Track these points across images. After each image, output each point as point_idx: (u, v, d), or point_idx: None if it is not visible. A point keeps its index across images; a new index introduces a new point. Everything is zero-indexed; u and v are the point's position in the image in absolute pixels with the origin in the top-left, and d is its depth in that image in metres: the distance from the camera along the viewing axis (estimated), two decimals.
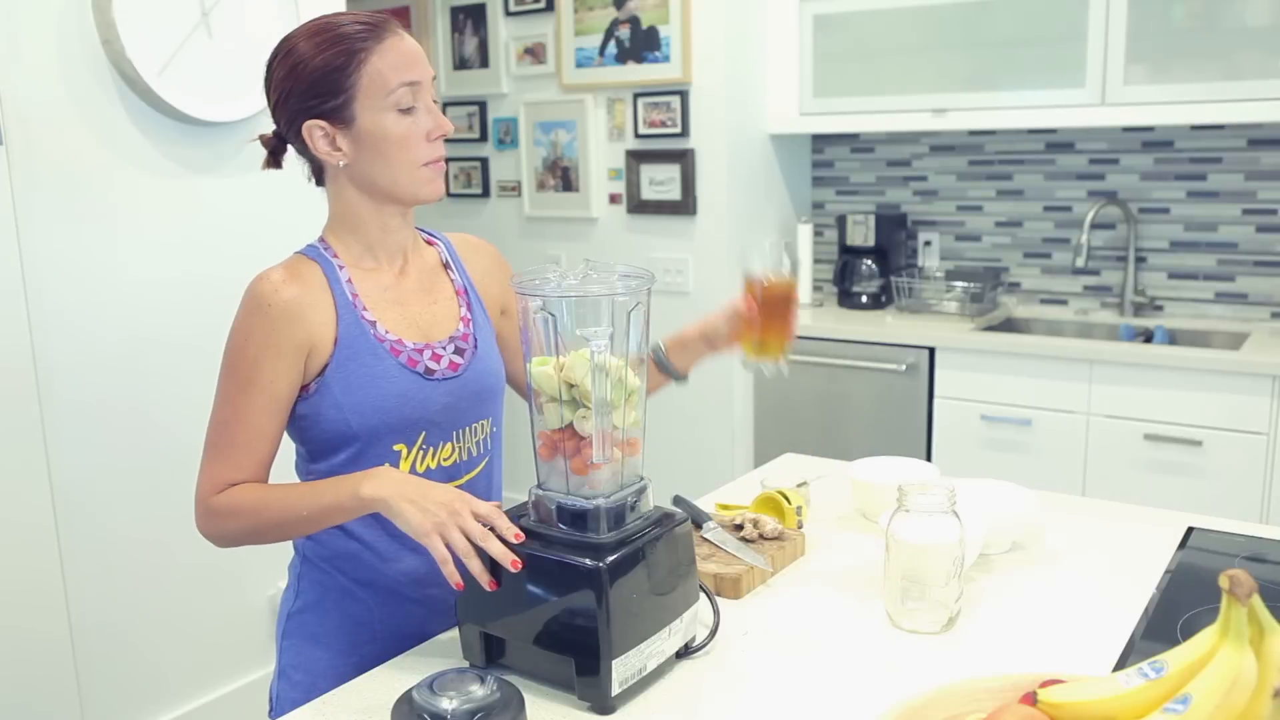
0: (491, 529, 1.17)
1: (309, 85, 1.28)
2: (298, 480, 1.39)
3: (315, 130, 1.30)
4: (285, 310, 1.28)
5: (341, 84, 1.27)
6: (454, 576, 1.17)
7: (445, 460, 1.37)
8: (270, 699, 1.43)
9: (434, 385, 1.34)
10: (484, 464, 1.42)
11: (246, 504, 1.27)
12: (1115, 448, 2.90)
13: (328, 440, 1.32)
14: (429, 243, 1.47)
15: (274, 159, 1.39)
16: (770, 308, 1.32)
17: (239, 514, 1.27)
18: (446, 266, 1.45)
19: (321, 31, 1.29)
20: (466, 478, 1.39)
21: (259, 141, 1.39)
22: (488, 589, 1.17)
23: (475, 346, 1.40)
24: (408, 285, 1.39)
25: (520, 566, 1.15)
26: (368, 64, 1.27)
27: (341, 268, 1.34)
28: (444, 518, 1.16)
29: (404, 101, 1.29)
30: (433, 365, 1.35)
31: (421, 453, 1.34)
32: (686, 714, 1.15)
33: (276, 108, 1.32)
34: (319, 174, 1.37)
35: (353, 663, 1.33)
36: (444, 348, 1.37)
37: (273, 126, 1.36)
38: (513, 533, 1.17)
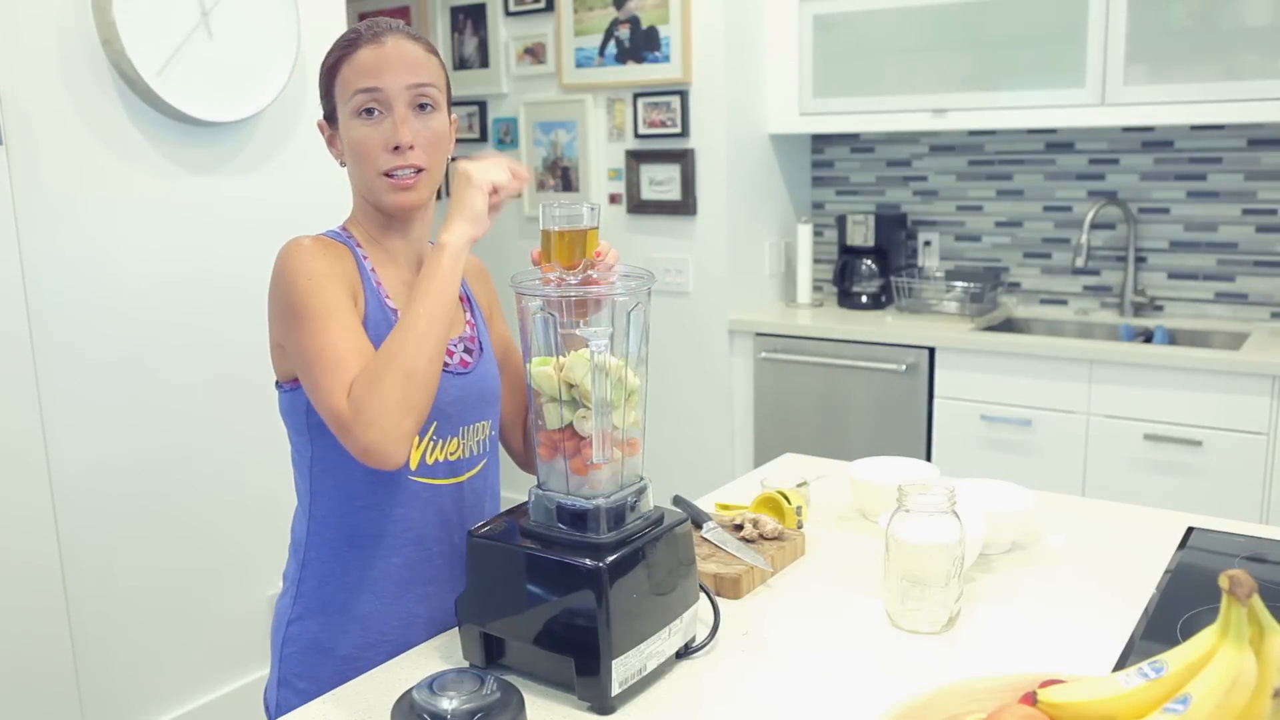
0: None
1: (320, 86, 1.39)
2: (292, 473, 1.41)
3: (322, 129, 1.40)
4: (335, 256, 1.31)
5: (328, 88, 1.36)
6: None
7: (451, 455, 1.38)
8: (267, 707, 1.41)
9: (449, 377, 1.36)
10: (483, 464, 1.43)
11: (375, 364, 1.21)
12: (1115, 448, 2.90)
13: None
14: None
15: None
16: (564, 258, 1.28)
17: (378, 376, 1.20)
18: None
19: (340, 35, 1.37)
20: (468, 475, 1.40)
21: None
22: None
23: (481, 349, 1.44)
24: None
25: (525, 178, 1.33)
26: (340, 71, 1.34)
27: (366, 257, 1.37)
28: (485, 181, 1.28)
29: (363, 107, 1.31)
30: (447, 359, 1.37)
31: (432, 444, 1.35)
32: (686, 714, 1.15)
33: None
34: None
35: (359, 668, 1.32)
36: (455, 345, 1.40)
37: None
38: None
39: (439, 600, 1.39)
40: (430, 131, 1.34)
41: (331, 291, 1.27)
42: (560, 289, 1.18)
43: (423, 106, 1.33)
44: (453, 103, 1.41)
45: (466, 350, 1.41)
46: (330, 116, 1.38)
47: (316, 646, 1.37)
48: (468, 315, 1.45)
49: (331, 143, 1.39)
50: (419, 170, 1.33)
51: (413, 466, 1.34)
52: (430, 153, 1.34)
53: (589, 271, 1.21)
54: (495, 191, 1.29)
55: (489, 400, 1.43)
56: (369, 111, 1.31)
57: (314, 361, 1.24)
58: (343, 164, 1.39)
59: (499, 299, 1.58)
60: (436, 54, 1.38)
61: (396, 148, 1.31)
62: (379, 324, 1.32)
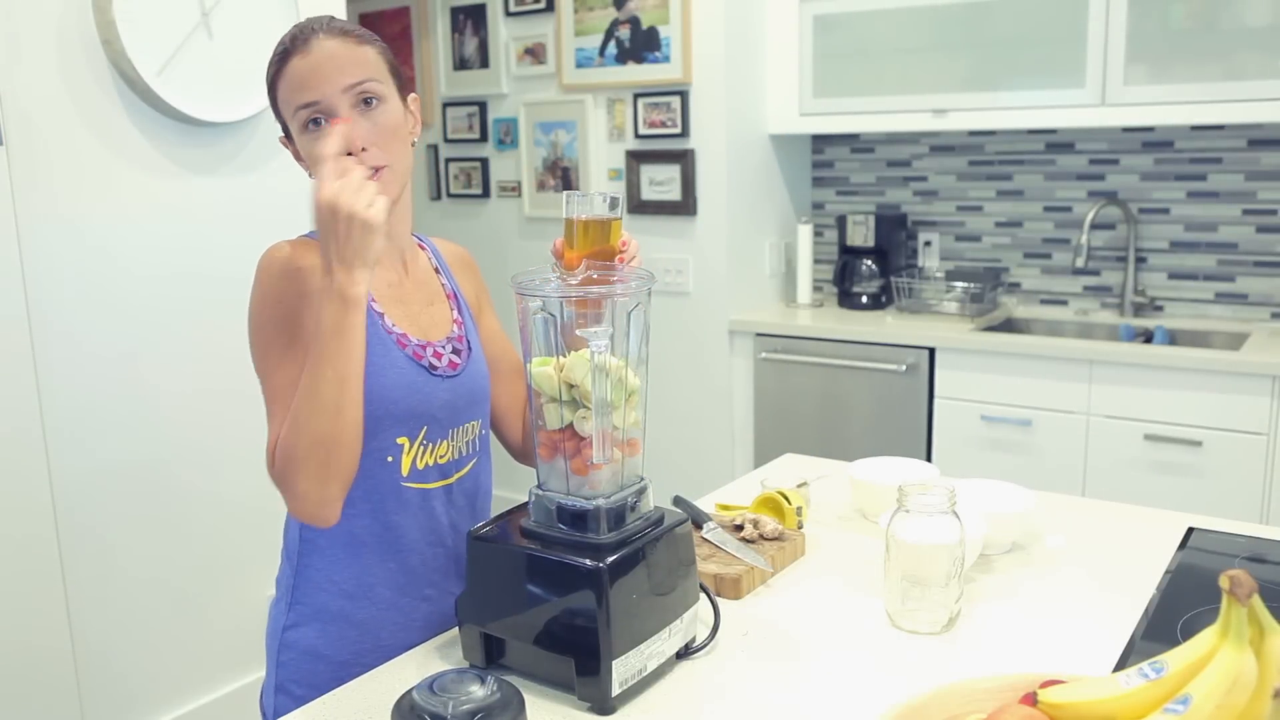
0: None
1: (270, 104, 1.35)
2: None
3: (285, 146, 1.37)
4: (312, 271, 1.27)
5: (275, 106, 1.34)
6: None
7: (441, 458, 1.37)
8: (264, 712, 1.41)
9: (437, 381, 1.35)
10: (473, 463, 1.43)
11: (289, 428, 1.20)
12: (1115, 448, 2.90)
13: None
14: (420, 247, 1.48)
15: None
16: (586, 247, 1.29)
17: (293, 443, 1.19)
18: (437, 271, 1.48)
19: (275, 46, 1.33)
20: (458, 475, 1.40)
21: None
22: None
23: (469, 349, 1.43)
24: (409, 285, 1.40)
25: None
26: (279, 88, 1.31)
27: None
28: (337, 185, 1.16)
29: (308, 121, 1.29)
30: (435, 362, 1.36)
31: (422, 448, 1.35)
32: (687, 714, 1.15)
33: None
34: None
35: (356, 674, 1.32)
36: (443, 347, 1.39)
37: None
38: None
39: (436, 604, 1.39)
40: (380, 127, 1.29)
41: (295, 320, 1.26)
42: (561, 289, 1.18)
43: (367, 102, 1.28)
44: (404, 82, 1.34)
45: (455, 351, 1.40)
46: (286, 131, 1.35)
47: (314, 653, 1.36)
48: (455, 314, 1.44)
49: (296, 156, 1.37)
50: (378, 169, 1.28)
51: (404, 473, 1.34)
52: (386, 148, 1.30)
53: (589, 272, 1.21)
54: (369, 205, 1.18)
55: (479, 400, 1.42)
56: (315, 123, 1.28)
57: (266, 398, 1.27)
58: (309, 174, 1.34)
59: (487, 290, 1.57)
60: (371, 41, 1.32)
61: (349, 154, 1.25)
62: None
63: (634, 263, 1.33)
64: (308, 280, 1.27)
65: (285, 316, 1.26)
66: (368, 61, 1.30)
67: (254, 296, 1.29)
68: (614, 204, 1.25)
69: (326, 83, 1.27)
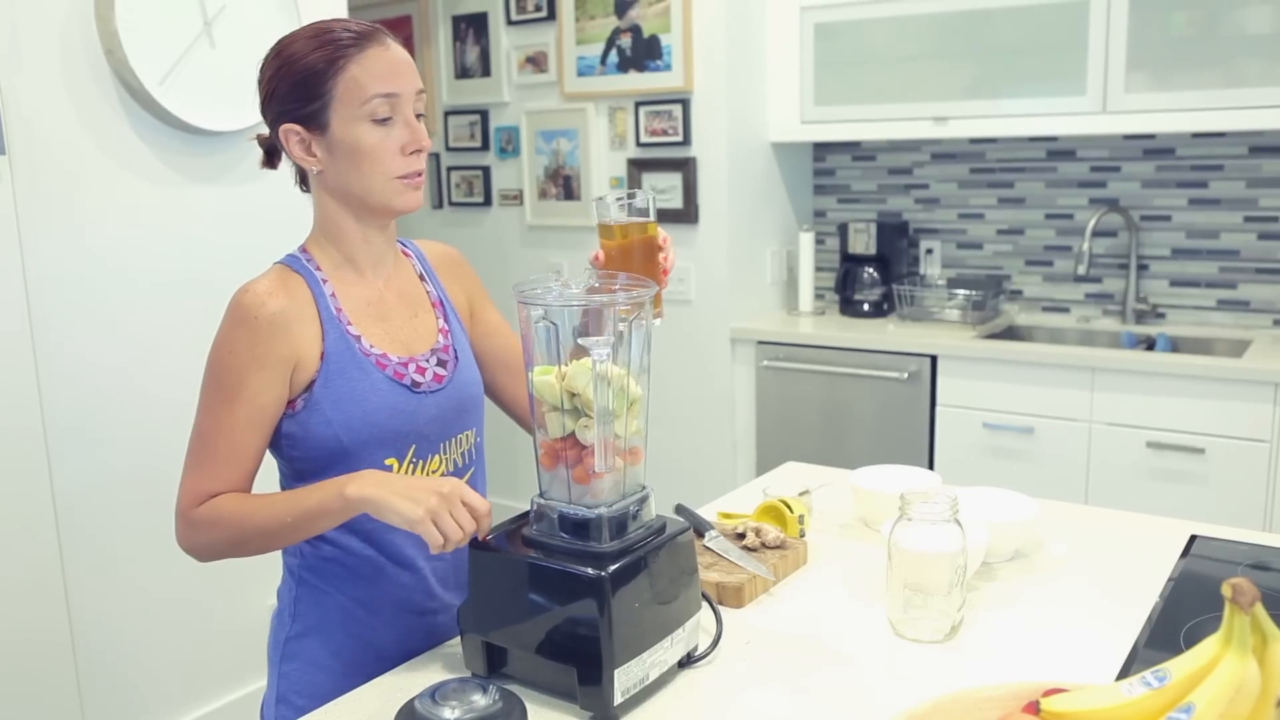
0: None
1: (290, 88, 1.29)
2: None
3: (291, 134, 1.31)
4: (272, 323, 1.27)
5: (319, 89, 1.27)
6: (437, 545, 1.17)
7: (434, 473, 1.37)
8: None
9: (421, 398, 1.34)
10: (469, 474, 1.42)
11: (228, 513, 1.25)
12: (1117, 455, 2.89)
13: (317, 457, 1.31)
14: (404, 254, 1.47)
15: (269, 159, 1.39)
16: (625, 254, 1.31)
17: (220, 524, 1.25)
18: (422, 278, 1.46)
19: (310, 35, 1.29)
20: None
21: (256, 141, 1.39)
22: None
23: (456, 358, 1.41)
24: (390, 299, 1.39)
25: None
26: (346, 71, 1.27)
27: (325, 280, 1.34)
28: (435, 503, 1.16)
29: (379, 112, 1.27)
30: (418, 378, 1.35)
31: (412, 466, 1.34)
32: None
33: (263, 107, 1.33)
34: (304, 179, 1.37)
35: (359, 684, 1.31)
36: (427, 360, 1.37)
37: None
38: (482, 535, 1.21)
39: (438, 615, 1.39)
40: (426, 137, 1.34)
41: (246, 373, 1.26)
42: (562, 297, 1.18)
43: (418, 116, 1.32)
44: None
45: (440, 363, 1.38)
46: (309, 119, 1.29)
47: (317, 664, 1.36)
48: (440, 323, 1.42)
49: (307, 149, 1.30)
50: (419, 174, 1.32)
51: None
52: (424, 157, 1.34)
53: (590, 280, 1.22)
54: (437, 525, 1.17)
55: (469, 408, 1.41)
56: (383, 117, 1.28)
57: (194, 438, 1.29)
58: (314, 170, 1.32)
59: (480, 284, 1.54)
60: None
61: (416, 150, 1.30)
62: (341, 354, 1.30)
63: (670, 258, 1.38)
64: (262, 333, 1.26)
65: (232, 367, 1.26)
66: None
67: (219, 330, 1.30)
68: (644, 206, 1.33)
69: (405, 80, 1.29)
